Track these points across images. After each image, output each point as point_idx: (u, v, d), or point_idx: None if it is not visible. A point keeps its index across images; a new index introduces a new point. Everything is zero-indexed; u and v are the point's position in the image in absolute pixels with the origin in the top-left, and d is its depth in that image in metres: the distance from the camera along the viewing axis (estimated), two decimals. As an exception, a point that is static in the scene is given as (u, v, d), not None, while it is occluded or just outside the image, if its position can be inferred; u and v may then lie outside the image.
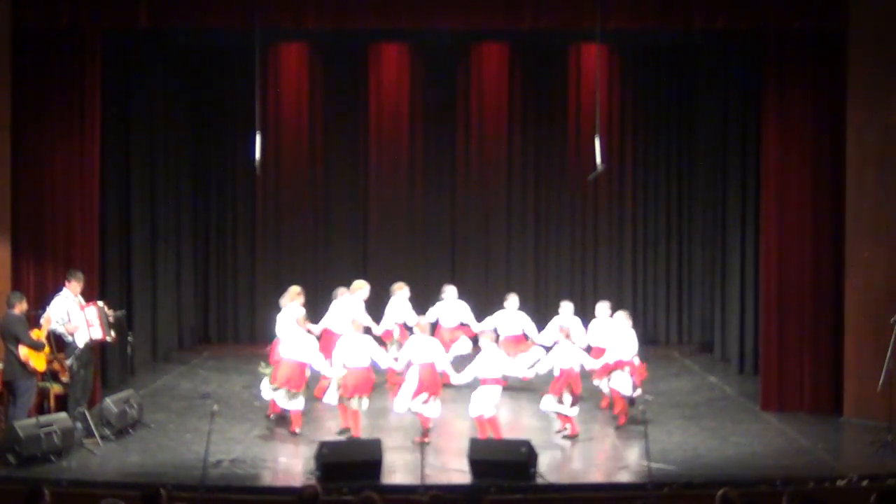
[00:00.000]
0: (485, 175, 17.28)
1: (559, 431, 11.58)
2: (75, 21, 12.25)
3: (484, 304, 15.08)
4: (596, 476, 10.52)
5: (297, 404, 11.67)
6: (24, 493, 6.97)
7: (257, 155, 12.71)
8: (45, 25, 12.27)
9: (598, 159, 12.40)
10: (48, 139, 12.44)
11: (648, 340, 16.94)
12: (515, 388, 13.23)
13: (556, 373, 11.65)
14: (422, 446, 10.13)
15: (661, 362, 15.64)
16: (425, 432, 11.05)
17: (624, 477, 10.42)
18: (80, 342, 11.20)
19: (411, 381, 11.44)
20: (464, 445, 10.48)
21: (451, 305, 14.13)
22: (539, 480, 9.99)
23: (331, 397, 11.74)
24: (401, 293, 14.01)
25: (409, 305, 14.04)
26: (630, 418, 11.93)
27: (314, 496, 7.17)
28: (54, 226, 12.50)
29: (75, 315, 11.19)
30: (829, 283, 12.64)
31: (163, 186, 15.91)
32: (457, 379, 11.52)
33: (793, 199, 12.66)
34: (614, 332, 12.23)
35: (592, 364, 11.87)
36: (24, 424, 10.44)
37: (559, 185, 17.42)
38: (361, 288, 13.56)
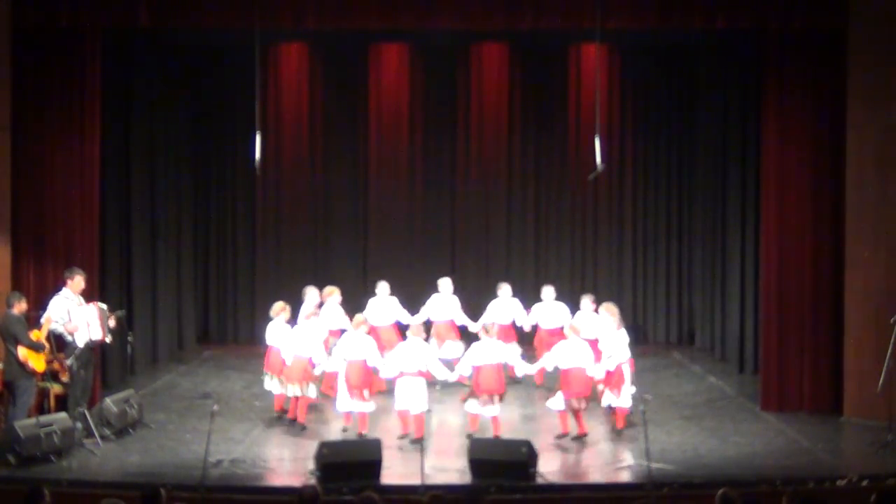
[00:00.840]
0: (485, 175, 17.28)
1: (561, 436, 11.50)
2: (75, 21, 12.25)
3: (484, 304, 15.06)
4: (596, 476, 10.51)
5: (310, 392, 11.88)
6: (24, 493, 6.97)
7: (257, 155, 12.71)
8: (45, 25, 12.27)
9: (598, 159, 12.39)
10: (48, 139, 12.44)
11: (646, 340, 17.01)
12: (515, 387, 13.24)
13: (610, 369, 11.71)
14: (421, 446, 10.15)
15: (661, 362, 15.65)
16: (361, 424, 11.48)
17: (624, 477, 10.42)
18: (80, 342, 11.20)
19: (342, 380, 11.62)
20: (464, 445, 10.49)
21: (445, 299, 14.14)
22: (539, 480, 10.00)
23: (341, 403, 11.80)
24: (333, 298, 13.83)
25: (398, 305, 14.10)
26: (628, 419, 11.89)
27: (314, 496, 7.17)
28: (54, 226, 12.50)
29: (76, 315, 11.19)
30: (829, 283, 12.64)
31: (163, 186, 15.91)
32: (446, 376, 11.69)
33: (793, 199, 12.65)
34: (603, 329, 12.20)
35: (596, 371, 11.79)
36: (24, 424, 10.44)
37: (559, 184, 17.42)
38: (333, 293, 13.54)
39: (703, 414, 12.71)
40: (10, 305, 11.05)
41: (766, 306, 12.85)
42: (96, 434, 11.09)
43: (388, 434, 11.45)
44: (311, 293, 13.24)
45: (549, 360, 11.87)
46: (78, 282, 11.37)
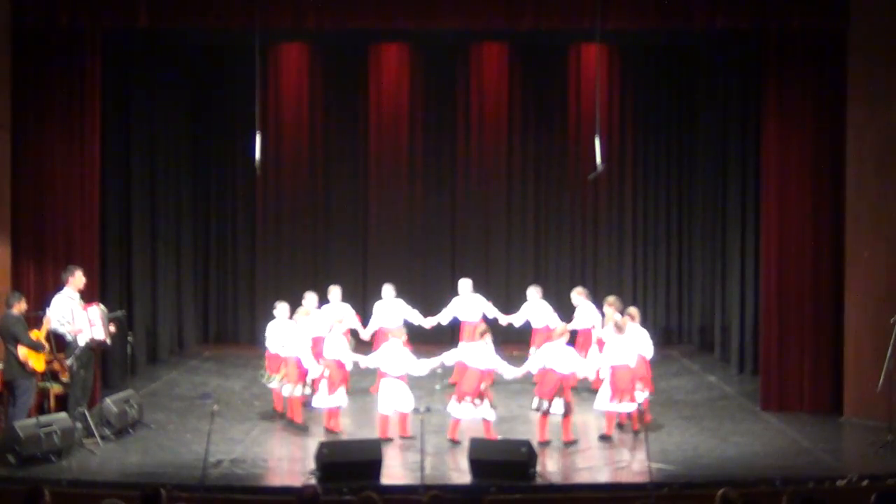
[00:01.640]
0: (485, 175, 17.29)
1: (605, 437, 11.49)
2: (75, 21, 12.25)
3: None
4: (596, 476, 10.51)
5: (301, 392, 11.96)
6: (24, 493, 6.96)
7: (257, 155, 12.71)
8: (45, 25, 12.27)
9: (598, 159, 12.40)
10: (48, 139, 12.44)
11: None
12: (517, 387, 13.24)
13: (603, 374, 11.73)
14: (420, 446, 10.15)
15: (660, 362, 15.62)
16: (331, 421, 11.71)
17: (624, 477, 10.42)
18: (81, 342, 11.19)
19: (325, 378, 11.76)
20: (464, 445, 10.49)
21: (467, 299, 14.21)
22: (539, 480, 10.00)
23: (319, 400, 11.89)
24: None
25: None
26: (627, 420, 11.90)
27: (314, 496, 7.17)
28: (54, 226, 12.50)
29: (78, 315, 11.17)
30: (829, 283, 12.64)
31: (163, 186, 15.91)
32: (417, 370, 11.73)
33: (793, 199, 12.66)
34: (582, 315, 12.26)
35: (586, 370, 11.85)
36: (24, 424, 10.44)
37: (559, 185, 17.42)
38: (332, 291, 13.71)
39: (703, 414, 12.72)
40: (9, 305, 11.05)
41: (766, 306, 12.85)
42: (96, 434, 11.09)
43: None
44: (309, 297, 13.28)
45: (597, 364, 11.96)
46: (79, 278, 11.35)
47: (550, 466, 10.52)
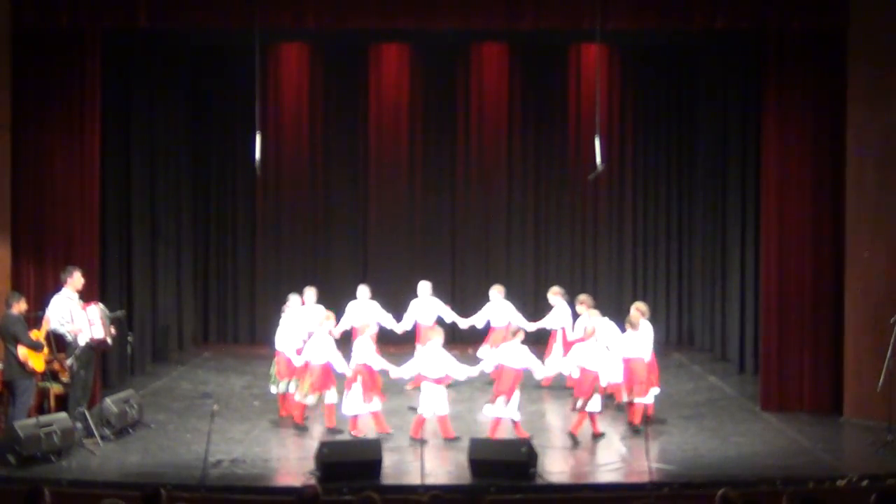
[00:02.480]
0: (485, 175, 17.29)
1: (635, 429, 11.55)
2: (75, 21, 12.25)
3: (483, 304, 15.05)
4: (596, 476, 10.51)
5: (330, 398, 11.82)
6: (24, 493, 6.96)
7: (257, 155, 12.70)
8: (45, 25, 12.27)
9: (598, 159, 12.40)
10: (48, 139, 12.44)
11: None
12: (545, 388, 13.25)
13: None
14: (421, 445, 10.16)
15: (661, 362, 15.59)
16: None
17: (624, 477, 10.42)
18: (81, 342, 11.19)
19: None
20: (464, 445, 10.49)
21: (498, 305, 14.12)
22: (539, 480, 10.00)
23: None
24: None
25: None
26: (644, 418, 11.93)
27: (314, 496, 7.16)
28: (54, 226, 12.50)
29: (78, 315, 11.17)
30: (829, 283, 12.64)
31: (163, 186, 15.91)
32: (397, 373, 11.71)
33: (793, 199, 12.65)
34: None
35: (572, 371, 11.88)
36: (24, 424, 10.44)
37: (559, 185, 17.43)
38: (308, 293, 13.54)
39: (703, 414, 12.71)
40: (9, 305, 11.05)
41: (766, 306, 12.85)
42: (96, 434, 11.08)
43: (388, 434, 11.45)
44: (308, 293, 13.27)
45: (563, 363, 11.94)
46: (77, 279, 11.36)
47: (556, 466, 10.51)
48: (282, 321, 12.55)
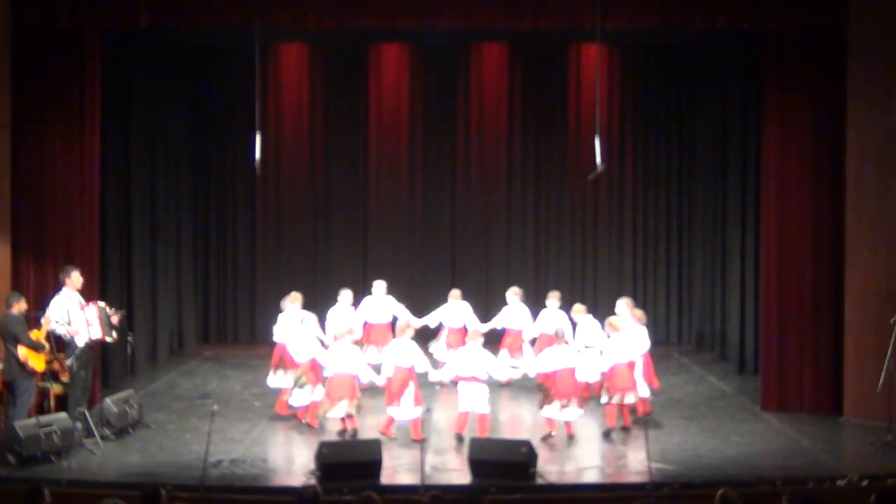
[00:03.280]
0: (485, 175, 17.29)
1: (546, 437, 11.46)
2: (75, 21, 12.24)
3: (484, 304, 15.10)
4: (596, 476, 10.51)
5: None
6: (24, 493, 6.96)
7: (257, 155, 12.71)
8: (45, 25, 12.27)
9: (598, 159, 12.40)
10: (48, 139, 12.44)
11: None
12: (516, 387, 13.23)
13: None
14: (421, 445, 10.16)
15: (660, 362, 15.61)
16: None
17: (624, 477, 10.42)
18: (81, 342, 11.19)
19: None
20: (464, 445, 10.49)
21: (515, 310, 14.12)
22: (539, 480, 10.00)
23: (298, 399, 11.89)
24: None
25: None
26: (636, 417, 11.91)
27: (314, 496, 7.17)
28: (54, 226, 12.49)
29: (75, 316, 11.17)
30: (829, 283, 12.64)
31: (163, 186, 15.91)
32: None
33: (793, 199, 12.65)
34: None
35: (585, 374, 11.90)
36: (24, 424, 10.44)
37: (559, 185, 17.43)
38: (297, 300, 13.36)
39: (703, 414, 12.71)
40: (9, 305, 11.05)
41: (766, 306, 12.84)
42: (96, 434, 11.09)
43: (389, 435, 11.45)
44: (344, 294, 13.65)
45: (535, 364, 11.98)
46: (76, 278, 11.35)
47: (552, 466, 10.51)
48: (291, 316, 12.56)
